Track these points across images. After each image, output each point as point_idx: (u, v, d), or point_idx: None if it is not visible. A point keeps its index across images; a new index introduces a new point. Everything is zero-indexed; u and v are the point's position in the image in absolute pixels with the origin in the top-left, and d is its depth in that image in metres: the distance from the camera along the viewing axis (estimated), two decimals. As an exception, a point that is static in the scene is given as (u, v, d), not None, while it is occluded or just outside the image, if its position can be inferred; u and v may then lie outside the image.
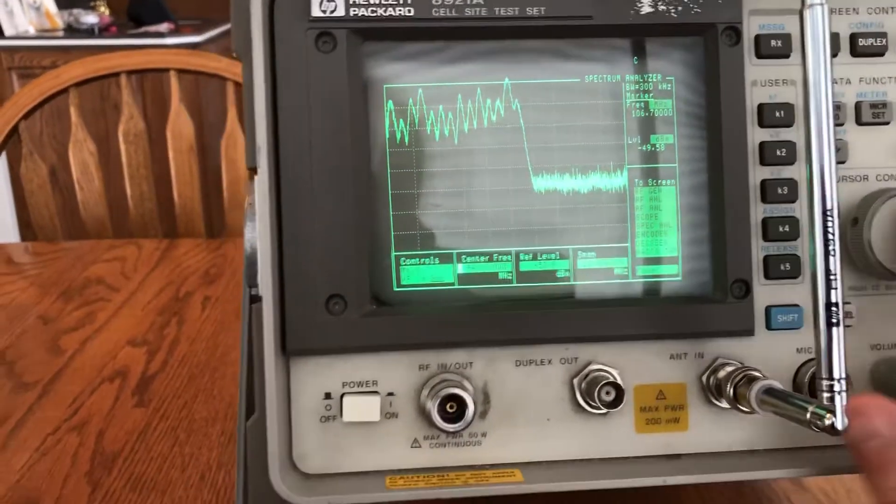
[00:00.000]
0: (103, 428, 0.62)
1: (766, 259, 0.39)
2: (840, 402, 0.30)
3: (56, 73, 1.18)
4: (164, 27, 2.49)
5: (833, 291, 0.31)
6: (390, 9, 0.36)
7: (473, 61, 0.38)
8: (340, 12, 0.36)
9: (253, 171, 0.35)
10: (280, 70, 0.36)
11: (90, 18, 2.47)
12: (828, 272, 0.31)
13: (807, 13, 0.31)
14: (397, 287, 0.38)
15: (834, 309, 0.31)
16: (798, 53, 0.37)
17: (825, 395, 0.31)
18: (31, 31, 2.49)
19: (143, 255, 1.03)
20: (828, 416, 0.30)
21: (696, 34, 0.38)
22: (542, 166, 0.38)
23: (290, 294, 0.36)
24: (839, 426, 0.30)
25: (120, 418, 0.64)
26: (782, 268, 0.38)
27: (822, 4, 0.31)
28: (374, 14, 0.36)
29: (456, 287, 0.38)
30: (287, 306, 0.36)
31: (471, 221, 0.38)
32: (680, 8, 0.37)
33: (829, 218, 0.31)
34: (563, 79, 0.38)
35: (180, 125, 1.23)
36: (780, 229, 0.38)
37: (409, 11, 0.36)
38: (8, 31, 2.41)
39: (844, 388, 0.30)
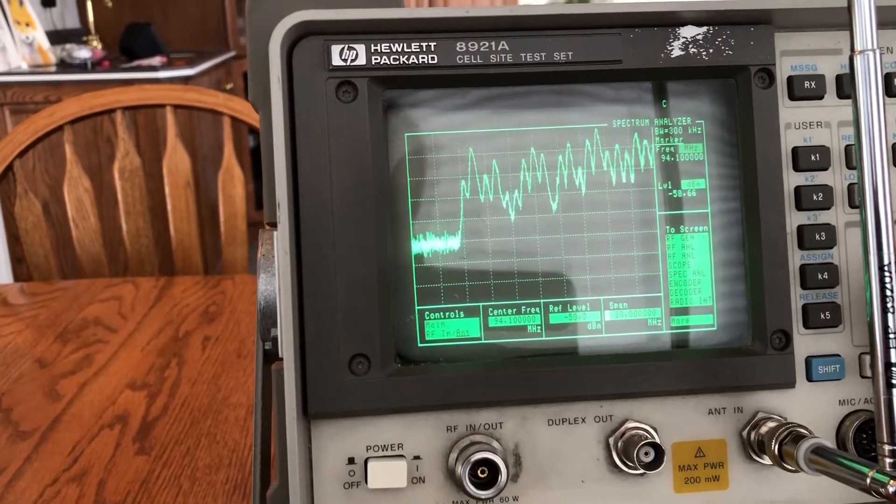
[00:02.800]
0: (104, 478, 0.60)
1: (805, 308, 0.38)
2: None
3: (51, 110, 1.17)
4: (156, 60, 2.49)
5: (893, 351, 0.29)
6: (413, 57, 0.35)
7: (496, 107, 0.37)
8: (362, 61, 0.35)
9: (272, 225, 0.34)
10: (299, 120, 0.35)
11: (83, 53, 2.47)
12: (886, 330, 0.29)
13: (857, 59, 0.30)
14: (422, 343, 0.37)
15: (894, 369, 0.29)
16: (832, 95, 0.37)
17: (887, 460, 0.29)
18: (24, 66, 2.48)
19: (140, 294, 1.01)
20: (891, 482, 0.29)
21: (728, 76, 0.38)
22: (570, 214, 0.37)
23: (311, 355, 0.35)
24: None
25: (121, 467, 0.62)
26: (822, 316, 0.37)
27: (874, 50, 0.30)
28: (397, 62, 0.35)
29: (483, 342, 0.37)
30: (308, 368, 0.35)
31: (497, 272, 0.37)
32: (711, 50, 0.36)
33: (887, 273, 0.29)
34: (590, 124, 0.37)
35: (177, 160, 1.22)
36: (819, 276, 0.37)
37: (433, 59, 0.35)
38: (0, 67, 2.40)
39: None
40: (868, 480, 0.29)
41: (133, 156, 1.23)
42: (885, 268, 0.29)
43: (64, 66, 2.50)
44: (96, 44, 2.65)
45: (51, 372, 0.79)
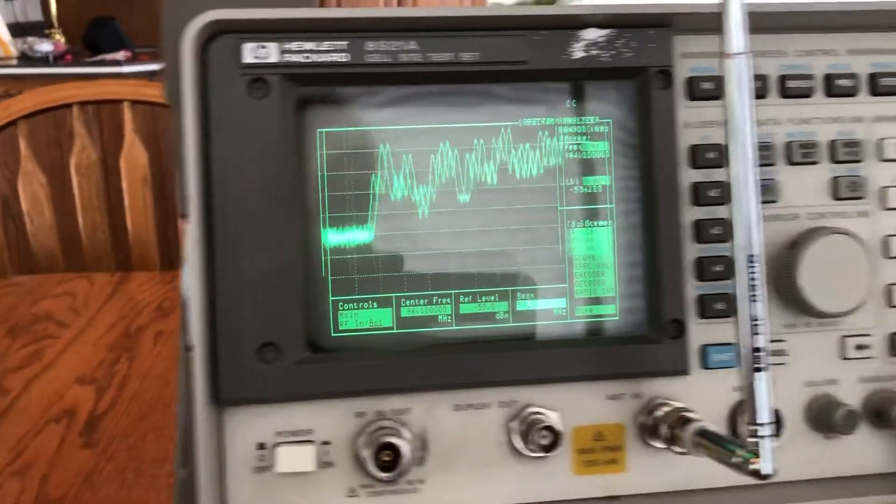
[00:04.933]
0: (47, 472, 0.60)
1: (700, 298, 0.39)
2: (765, 445, 0.31)
3: (6, 104, 1.16)
4: (121, 55, 2.47)
5: (757, 336, 0.31)
6: (324, 55, 0.36)
7: (409, 105, 0.38)
8: (273, 59, 0.36)
9: (184, 217, 0.35)
10: (213, 116, 0.36)
11: (45, 47, 2.43)
12: (752, 317, 0.31)
13: (730, 63, 0.31)
14: (335, 332, 0.38)
15: (758, 354, 0.31)
16: None
17: (751, 439, 0.31)
18: (-16, 59, 2.44)
19: (94, 290, 1.01)
20: (753, 460, 0.30)
21: (629, 77, 0.39)
22: (480, 209, 0.39)
23: (222, 342, 0.36)
24: (764, 471, 0.30)
25: (66, 461, 0.62)
26: (717, 307, 0.39)
27: (746, 54, 0.31)
28: (308, 60, 0.36)
29: (395, 331, 0.38)
30: (219, 355, 0.36)
31: (409, 265, 0.38)
32: (612, 52, 0.38)
33: (754, 264, 0.31)
34: (500, 122, 0.39)
35: (134, 155, 1.22)
36: (714, 269, 0.39)
37: (344, 58, 0.36)
38: (-40, 60, 2.36)
39: (771, 433, 0.31)
40: (732, 458, 0.31)
41: (90, 150, 1.23)
42: (752, 258, 0.31)
43: (25, 59, 2.46)
44: (59, 37, 2.61)
45: (-1, 367, 0.79)
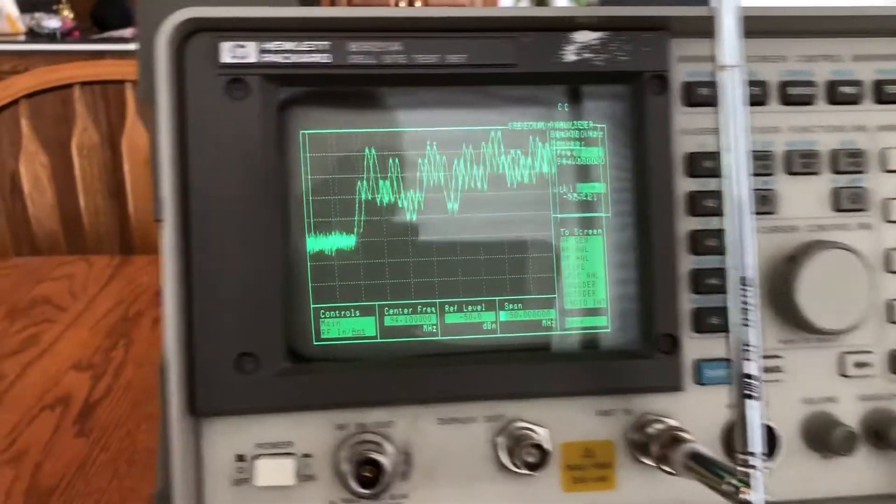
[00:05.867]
0: (41, 460, 0.60)
1: (695, 312, 0.38)
2: (756, 476, 0.29)
3: (6, 83, 1.15)
4: (128, 32, 2.45)
5: (748, 363, 0.30)
6: (305, 55, 0.35)
7: (395, 107, 0.37)
8: (252, 59, 0.35)
9: (159, 221, 0.34)
10: (190, 117, 0.35)
11: (52, 23, 2.42)
12: (744, 343, 0.30)
13: (723, 75, 0.30)
14: (317, 341, 0.37)
15: (750, 381, 0.30)
16: None
17: (740, 468, 0.30)
18: (-8, 34, 2.43)
19: (93, 273, 1.00)
20: (744, 489, 0.29)
21: (623, 82, 0.38)
22: (467, 215, 0.38)
23: (198, 352, 0.35)
24: (755, 502, 0.29)
25: (59, 449, 0.62)
26: (712, 321, 0.38)
27: (737, 66, 0.30)
28: (288, 61, 0.35)
29: (378, 340, 0.37)
30: (196, 364, 0.35)
31: (394, 272, 0.37)
32: (605, 55, 0.37)
33: (746, 287, 0.30)
34: (488, 126, 0.38)
35: (136, 137, 1.21)
36: (710, 282, 0.38)
37: (326, 58, 0.35)
38: (-33, 35, 2.36)
39: (762, 462, 0.30)
40: (722, 486, 0.30)
41: (92, 131, 1.22)
42: (746, 281, 0.30)
43: (33, 35, 2.45)
44: (67, 13, 2.59)
45: (-5, 351, 0.79)
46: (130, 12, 2.59)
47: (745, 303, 0.29)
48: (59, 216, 1.19)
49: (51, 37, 2.41)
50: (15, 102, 1.17)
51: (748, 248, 0.29)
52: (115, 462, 0.59)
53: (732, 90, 0.29)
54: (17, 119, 1.18)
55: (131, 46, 2.36)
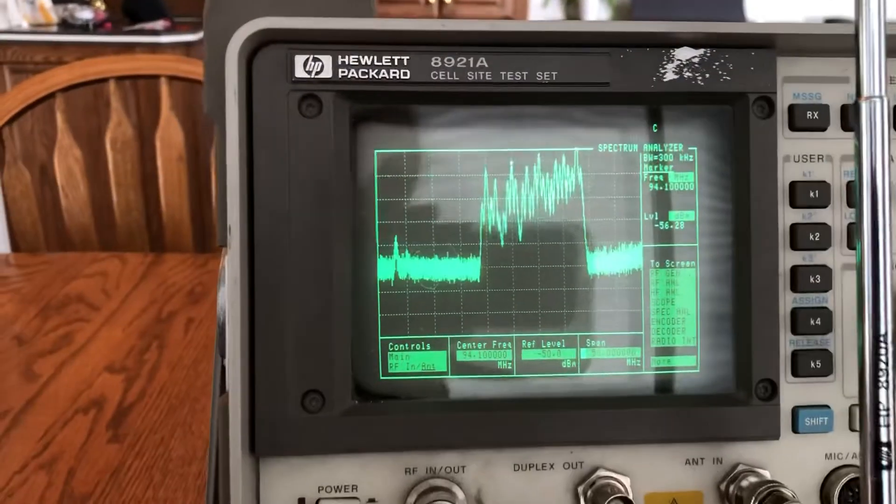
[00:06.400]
0: (74, 466, 0.59)
1: (794, 354, 0.35)
2: None
3: (42, 77, 1.15)
4: (159, 24, 2.45)
5: (884, 430, 0.27)
6: (384, 71, 0.33)
7: (475, 126, 0.35)
8: (328, 73, 0.33)
9: (224, 247, 0.32)
10: (258, 136, 0.32)
11: (85, 14, 2.42)
12: (877, 407, 0.27)
13: (863, 106, 0.27)
14: (384, 376, 0.35)
15: (885, 450, 0.27)
16: (836, 127, 0.34)
17: None
18: (25, 25, 2.44)
19: (126, 271, 0.99)
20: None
21: (725, 103, 0.35)
22: (548, 243, 0.35)
23: (260, 388, 0.33)
24: None
25: (92, 455, 0.61)
26: (812, 365, 0.35)
27: (881, 97, 0.27)
28: (366, 76, 0.33)
29: (450, 377, 0.35)
30: (257, 402, 0.33)
31: (468, 303, 0.35)
32: (707, 75, 0.34)
33: (884, 345, 0.27)
34: (573, 147, 0.35)
35: (170, 133, 1.20)
36: (812, 322, 0.35)
37: (406, 74, 0.33)
38: (0, 25, 2.36)
39: None
40: None
41: (126, 126, 1.21)
42: (882, 338, 0.27)
43: (66, 26, 2.45)
44: (99, 4, 2.60)
45: (29, 350, 0.78)
46: (162, 4, 2.59)
47: (880, 361, 0.26)
48: (91, 211, 1.18)
49: (83, 28, 2.41)
50: (51, 96, 1.16)
51: (887, 302, 0.27)
52: (150, 470, 0.57)
53: (872, 122, 0.26)
54: (51, 111, 1.18)
55: (163, 39, 2.36)
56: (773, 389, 0.35)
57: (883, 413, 0.27)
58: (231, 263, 0.31)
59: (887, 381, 0.27)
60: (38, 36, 2.36)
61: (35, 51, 2.31)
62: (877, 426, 0.27)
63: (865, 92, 0.27)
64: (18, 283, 0.97)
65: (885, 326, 0.27)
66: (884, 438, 0.27)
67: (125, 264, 1.01)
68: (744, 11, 3.54)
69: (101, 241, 1.20)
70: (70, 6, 2.47)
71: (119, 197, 1.20)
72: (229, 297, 0.31)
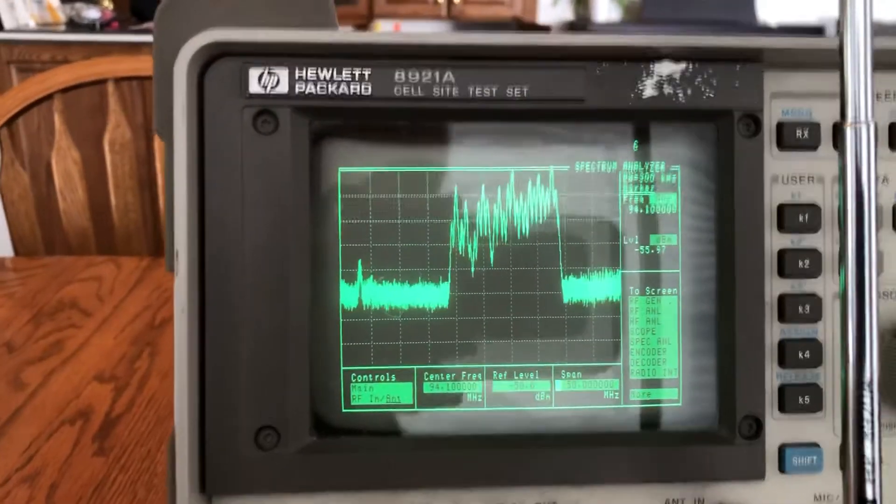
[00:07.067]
0: (57, 480, 0.58)
1: (781, 389, 0.34)
2: None
3: (42, 77, 1.14)
4: (167, 23, 2.44)
5: (869, 485, 0.25)
6: (344, 86, 0.31)
7: (444, 143, 0.33)
8: (283, 88, 0.31)
9: (172, 272, 0.30)
10: (209, 154, 0.30)
11: (92, 13, 2.42)
12: (861, 460, 0.25)
13: (848, 132, 0.25)
14: (345, 408, 0.33)
15: None
16: (827, 145, 0.32)
17: None
18: (32, 24, 2.44)
19: (121, 275, 0.99)
20: None
21: (708, 121, 0.33)
22: (521, 268, 0.33)
23: (211, 423, 0.31)
24: None
25: (77, 468, 0.59)
26: (801, 400, 0.33)
27: (867, 124, 0.25)
28: (324, 92, 0.31)
29: (416, 410, 0.33)
30: (207, 438, 0.31)
31: (436, 331, 0.33)
32: (689, 91, 0.32)
33: (867, 393, 0.25)
34: (547, 165, 0.33)
35: (169, 136, 1.19)
36: (800, 355, 0.33)
37: (367, 90, 0.31)
38: (8, 24, 2.36)
39: None
40: None
41: (124, 128, 1.20)
42: (865, 385, 0.25)
43: (72, 25, 2.45)
44: (107, 3, 2.60)
45: (18, 357, 0.77)
46: (169, 3, 2.58)
47: (863, 411, 0.24)
48: (89, 214, 1.17)
49: (90, 27, 2.41)
50: (50, 97, 1.15)
51: (872, 346, 0.24)
52: (134, 485, 0.56)
53: (857, 149, 0.24)
54: (49, 111, 1.17)
55: (169, 38, 2.36)
56: (758, 426, 0.33)
57: (868, 468, 0.25)
58: (179, 291, 0.29)
59: (871, 433, 0.25)
60: (44, 35, 2.36)
61: (41, 50, 2.31)
62: (861, 480, 0.25)
63: (850, 117, 0.25)
64: (13, 286, 0.96)
65: (869, 372, 0.25)
66: (868, 495, 0.25)
67: (120, 268, 1.00)
68: (755, 12, 3.49)
69: (98, 243, 1.19)
70: (77, 5, 2.47)
71: (117, 199, 1.19)
72: (177, 327, 0.29)
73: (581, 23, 3.61)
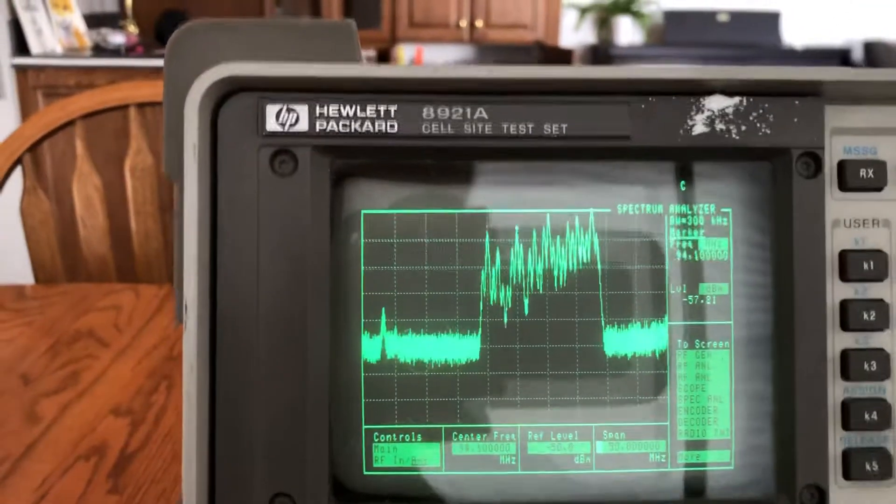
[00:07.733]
0: (69, 520, 0.56)
1: (846, 454, 0.31)
2: None
3: (63, 103, 1.14)
4: (191, 47, 2.47)
5: None
6: (368, 123, 0.29)
7: (474, 183, 0.31)
8: (303, 126, 0.29)
9: (181, 324, 0.28)
10: (222, 197, 0.28)
11: (117, 38, 2.45)
12: None
13: None
14: (367, 470, 0.31)
15: None
16: (894, 187, 0.29)
17: None
18: (59, 49, 2.48)
19: (140, 304, 0.97)
20: None
21: (764, 159, 0.30)
22: (559, 319, 0.31)
23: (221, 491, 0.29)
24: None
25: (89, 508, 0.57)
26: (868, 467, 0.30)
27: None
28: (347, 130, 0.29)
29: (443, 472, 0.30)
30: None
31: (466, 388, 0.31)
32: (744, 128, 0.29)
33: None
34: (587, 208, 0.31)
35: (190, 162, 1.18)
36: (867, 416, 0.30)
37: (393, 127, 0.29)
38: (35, 50, 2.40)
39: None
40: None
41: (146, 154, 1.20)
42: None
43: (98, 50, 2.49)
44: (132, 28, 2.63)
45: (34, 390, 0.75)
46: (193, 28, 2.61)
47: None
48: (109, 241, 1.17)
49: (115, 52, 2.44)
50: (72, 123, 1.15)
51: None
52: (147, 528, 0.54)
53: None
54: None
55: (192, 62, 2.38)
56: (821, 496, 0.30)
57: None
58: (188, 346, 0.27)
59: None
60: (69, 60, 2.39)
61: (67, 75, 2.34)
62: None
63: None
64: (33, 315, 0.96)
65: None
66: None
67: (139, 297, 0.99)
68: (780, 34, 3.46)
69: (119, 272, 1.19)
70: (103, 31, 2.50)
71: (138, 226, 1.18)
72: (185, 386, 0.27)
73: (604, 46, 3.60)
